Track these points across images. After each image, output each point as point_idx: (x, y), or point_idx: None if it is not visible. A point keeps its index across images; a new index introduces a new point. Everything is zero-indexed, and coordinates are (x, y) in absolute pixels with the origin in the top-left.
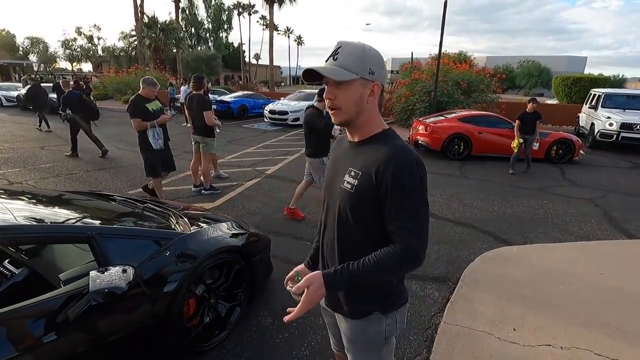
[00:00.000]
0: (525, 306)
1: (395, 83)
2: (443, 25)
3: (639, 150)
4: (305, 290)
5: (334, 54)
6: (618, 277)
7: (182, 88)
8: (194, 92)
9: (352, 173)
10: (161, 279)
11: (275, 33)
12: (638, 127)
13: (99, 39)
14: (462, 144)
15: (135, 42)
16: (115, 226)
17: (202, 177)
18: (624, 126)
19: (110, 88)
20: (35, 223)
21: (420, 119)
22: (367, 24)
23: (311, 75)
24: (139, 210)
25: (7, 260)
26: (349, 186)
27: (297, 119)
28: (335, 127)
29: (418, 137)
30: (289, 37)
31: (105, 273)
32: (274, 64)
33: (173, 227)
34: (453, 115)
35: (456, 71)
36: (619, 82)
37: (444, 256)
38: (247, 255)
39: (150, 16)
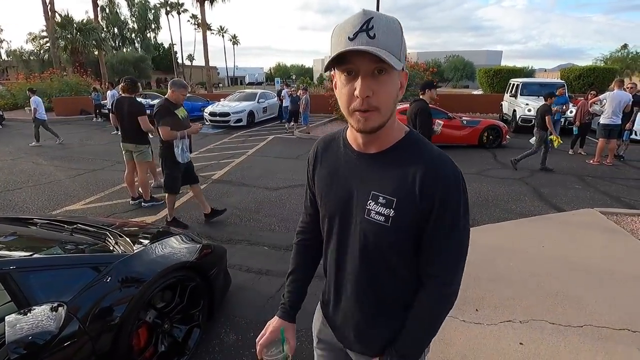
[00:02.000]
0: (482, 286)
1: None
2: None
3: None
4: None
5: (366, 29)
6: (557, 248)
7: (109, 92)
8: (124, 95)
9: (382, 200)
10: (102, 311)
11: (208, 32)
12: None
13: (1, 41)
14: None
15: (48, 44)
16: (37, 256)
17: (140, 189)
18: None
19: (21, 96)
20: None
21: None
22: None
23: (340, 60)
24: (66, 234)
25: None
26: (382, 218)
27: (239, 120)
28: (438, 121)
29: None
30: (223, 36)
31: (28, 315)
32: (210, 65)
33: (112, 248)
34: None
35: None
36: (530, 72)
37: None
38: (202, 271)
39: (63, 15)
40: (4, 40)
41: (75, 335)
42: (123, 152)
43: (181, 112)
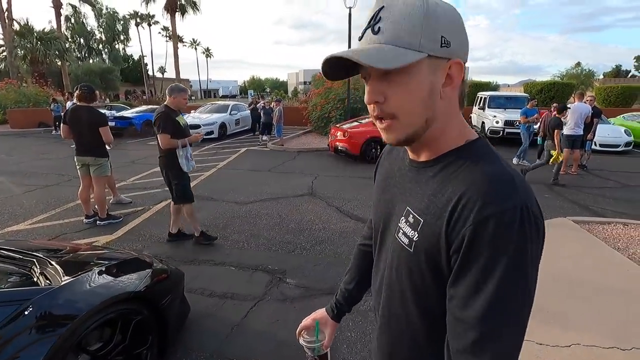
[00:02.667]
0: None
1: (309, 92)
2: (350, 36)
3: (519, 142)
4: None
5: (374, 22)
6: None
7: (69, 103)
8: (80, 105)
9: (411, 219)
10: (16, 356)
11: (180, 45)
12: (516, 123)
13: None
14: (379, 147)
15: (4, 53)
16: None
17: (96, 206)
18: (507, 123)
19: None
20: None
21: (338, 125)
22: None
23: (336, 67)
24: None
25: None
26: (406, 241)
27: (210, 132)
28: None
29: (337, 143)
30: (196, 49)
31: None
32: (183, 77)
33: (36, 279)
34: (368, 120)
35: None
36: (495, 87)
37: None
38: (151, 300)
39: (22, 24)
40: None
41: None
42: (78, 167)
43: (181, 120)
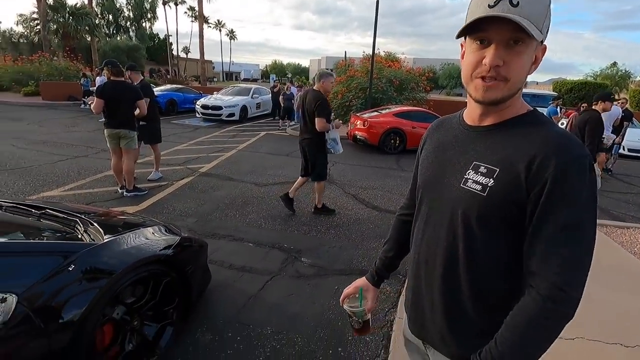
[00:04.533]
0: None
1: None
2: (376, 23)
3: None
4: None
5: None
6: None
7: (98, 79)
8: (115, 80)
9: (483, 169)
10: (61, 304)
11: (205, 26)
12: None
13: None
14: (398, 139)
15: (38, 27)
16: None
17: (125, 177)
18: None
19: (7, 78)
20: None
21: (358, 114)
22: None
23: (474, 26)
24: (33, 219)
25: None
26: (479, 187)
27: (232, 115)
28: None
29: (357, 132)
30: (220, 30)
31: None
32: (206, 59)
33: (80, 237)
34: (388, 110)
35: (389, 69)
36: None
37: None
38: (178, 265)
39: None
40: None
41: (26, 330)
42: (108, 140)
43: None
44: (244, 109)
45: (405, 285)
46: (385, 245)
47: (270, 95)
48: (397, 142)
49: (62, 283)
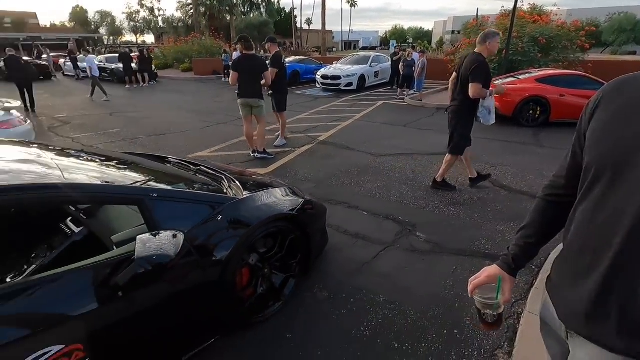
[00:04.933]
0: None
1: (459, 43)
2: None
3: None
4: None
5: None
6: None
7: (235, 54)
8: (247, 53)
9: None
10: (213, 246)
11: None
12: None
13: (159, 10)
14: (539, 109)
15: (192, 11)
16: (166, 188)
17: (257, 141)
18: None
19: (170, 57)
20: (86, 182)
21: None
22: None
23: None
24: (191, 173)
25: (68, 219)
26: None
27: (349, 84)
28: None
29: None
30: None
31: (156, 238)
32: (326, 29)
33: (225, 191)
34: (528, 75)
35: (533, 25)
36: None
37: None
38: (301, 224)
39: None
40: (160, 9)
41: (189, 263)
42: (241, 109)
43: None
44: (361, 78)
45: (553, 270)
46: (523, 229)
47: (389, 62)
48: (538, 112)
49: (213, 227)
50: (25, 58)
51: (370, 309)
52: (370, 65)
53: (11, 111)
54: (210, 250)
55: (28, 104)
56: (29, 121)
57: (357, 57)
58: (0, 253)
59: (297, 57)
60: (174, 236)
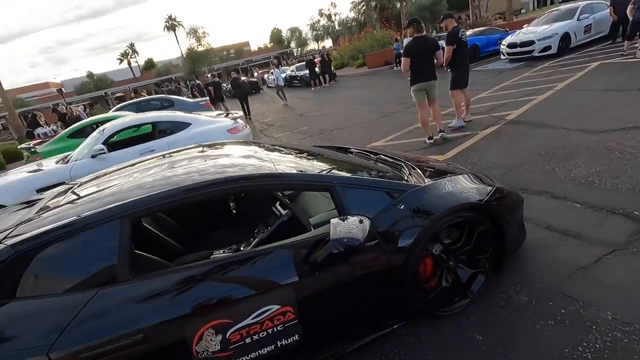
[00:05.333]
0: None
1: None
2: None
3: None
4: None
5: None
6: None
7: (405, 40)
8: (418, 36)
9: None
10: (396, 232)
11: None
12: None
13: (334, 15)
14: None
15: (364, 7)
16: (351, 176)
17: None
18: None
19: (346, 56)
20: (290, 172)
21: None
22: None
23: None
24: (372, 162)
25: (277, 203)
26: None
27: (547, 48)
28: None
29: None
30: None
31: (344, 222)
32: None
33: (406, 179)
34: None
35: None
36: None
37: None
38: (492, 215)
39: None
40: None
41: (374, 248)
42: (415, 95)
43: None
44: (565, 37)
45: None
46: None
47: (608, 10)
48: None
49: (396, 215)
50: (242, 78)
51: (592, 326)
52: (578, 19)
53: (237, 119)
54: (393, 236)
55: (247, 113)
56: (248, 126)
57: (557, 13)
58: (236, 227)
59: (476, 30)
60: (360, 221)
